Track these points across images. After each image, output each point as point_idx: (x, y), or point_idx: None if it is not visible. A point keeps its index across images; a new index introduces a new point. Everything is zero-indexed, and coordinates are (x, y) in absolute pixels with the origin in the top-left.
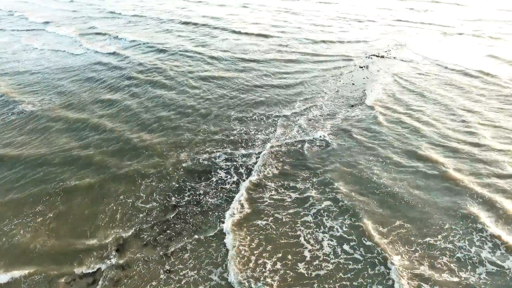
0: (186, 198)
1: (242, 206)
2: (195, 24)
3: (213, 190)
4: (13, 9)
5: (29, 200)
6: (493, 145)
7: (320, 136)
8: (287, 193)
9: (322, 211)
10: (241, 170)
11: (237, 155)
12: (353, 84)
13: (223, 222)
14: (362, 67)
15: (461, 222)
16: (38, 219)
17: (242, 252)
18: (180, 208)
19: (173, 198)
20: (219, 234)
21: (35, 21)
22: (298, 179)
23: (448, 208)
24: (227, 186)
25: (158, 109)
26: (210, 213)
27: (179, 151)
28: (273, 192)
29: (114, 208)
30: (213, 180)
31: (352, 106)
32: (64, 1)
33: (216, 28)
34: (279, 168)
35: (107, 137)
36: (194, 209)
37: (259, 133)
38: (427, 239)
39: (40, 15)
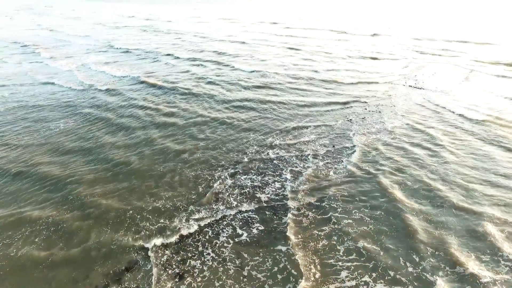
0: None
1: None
2: (201, 60)
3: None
4: (26, 42)
5: None
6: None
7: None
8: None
9: None
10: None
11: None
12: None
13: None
14: (388, 95)
15: None
16: None
17: None
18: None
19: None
20: None
21: (44, 55)
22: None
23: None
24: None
25: (157, 160)
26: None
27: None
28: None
29: None
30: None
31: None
32: (79, 36)
33: (223, 65)
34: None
35: (90, 199)
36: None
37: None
38: None
39: (50, 49)
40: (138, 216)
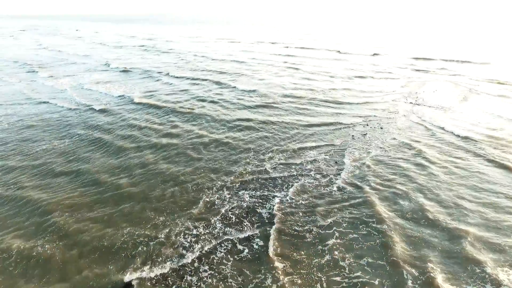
0: None
1: None
2: (201, 79)
3: None
4: (26, 61)
5: None
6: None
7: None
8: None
9: None
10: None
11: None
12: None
13: None
14: (389, 112)
15: None
16: None
17: None
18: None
19: None
20: None
21: (42, 74)
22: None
23: None
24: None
25: (152, 183)
26: None
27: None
28: None
29: None
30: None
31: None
32: (79, 55)
33: (223, 85)
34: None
35: (76, 225)
36: None
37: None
38: None
39: (49, 69)
40: (134, 236)
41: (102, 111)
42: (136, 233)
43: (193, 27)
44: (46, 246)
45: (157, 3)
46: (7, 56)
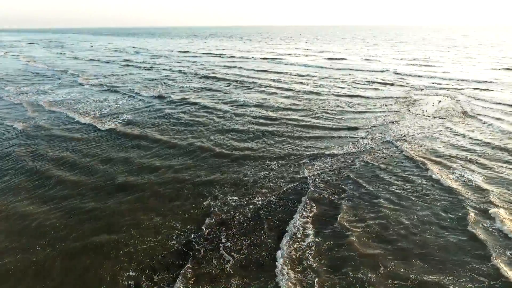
0: None
1: None
2: (184, 101)
3: None
4: (2, 75)
5: None
6: None
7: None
8: None
9: None
10: None
11: None
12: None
13: None
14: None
15: None
16: None
17: None
18: None
19: None
20: None
21: (12, 91)
22: None
23: None
24: None
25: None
26: None
27: None
28: None
29: None
30: None
31: None
32: (59, 70)
33: (210, 108)
34: None
35: None
36: None
37: None
38: None
39: (21, 85)
40: None
41: (62, 139)
42: None
43: (200, 41)
44: None
45: (172, 18)
46: None
